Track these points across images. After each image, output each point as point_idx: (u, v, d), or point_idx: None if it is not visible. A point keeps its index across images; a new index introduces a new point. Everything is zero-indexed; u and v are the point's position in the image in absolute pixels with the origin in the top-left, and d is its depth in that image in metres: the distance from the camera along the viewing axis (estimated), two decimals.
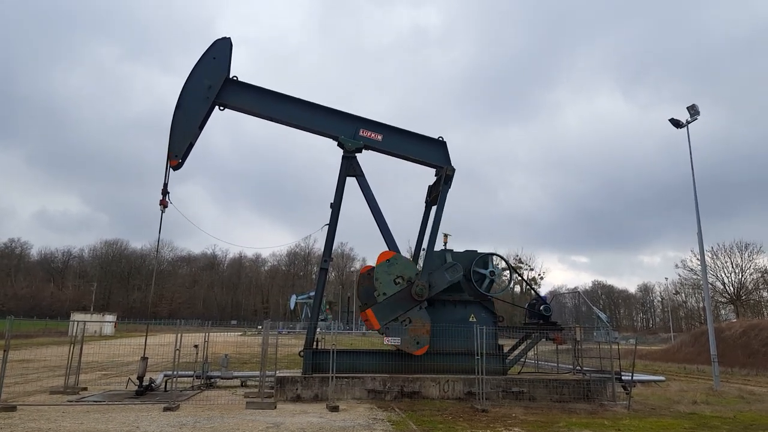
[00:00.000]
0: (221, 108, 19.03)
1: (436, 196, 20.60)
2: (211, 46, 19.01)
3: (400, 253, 18.99)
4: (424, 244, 20.20)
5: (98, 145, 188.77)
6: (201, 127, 18.81)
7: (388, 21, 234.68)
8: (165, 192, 18.20)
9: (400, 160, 20.32)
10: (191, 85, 18.63)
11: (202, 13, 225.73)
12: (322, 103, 19.60)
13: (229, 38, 19.12)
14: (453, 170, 19.86)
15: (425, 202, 21.85)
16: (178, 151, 18.25)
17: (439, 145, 20.30)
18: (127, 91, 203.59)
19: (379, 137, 19.76)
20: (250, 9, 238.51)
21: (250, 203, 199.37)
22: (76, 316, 61.01)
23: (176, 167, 18.38)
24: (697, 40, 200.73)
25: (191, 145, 18.60)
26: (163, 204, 18.13)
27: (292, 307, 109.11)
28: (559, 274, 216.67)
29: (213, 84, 18.63)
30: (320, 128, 19.52)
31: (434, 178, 21.37)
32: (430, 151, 20.30)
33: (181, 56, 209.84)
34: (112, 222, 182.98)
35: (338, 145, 19.40)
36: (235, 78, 18.94)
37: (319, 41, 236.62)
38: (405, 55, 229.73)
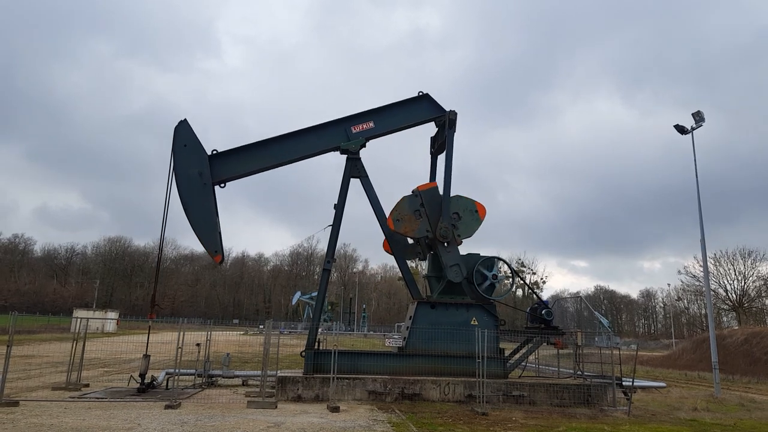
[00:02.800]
0: (222, 186, 18.52)
1: (441, 143, 20.84)
2: (174, 136, 18.19)
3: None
4: None
5: (97, 141, 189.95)
6: (217, 213, 18.17)
7: (387, 23, 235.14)
8: (154, 304, 18.97)
9: (405, 137, 20.64)
10: (184, 183, 17.90)
11: (202, 13, 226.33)
12: (317, 115, 19.76)
13: (185, 120, 18.45)
14: (455, 113, 20.10)
15: (430, 153, 22.02)
16: (216, 248, 17.83)
17: (423, 99, 20.43)
18: (125, 89, 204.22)
19: (371, 124, 19.85)
20: (248, 9, 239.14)
21: (249, 202, 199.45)
22: (79, 313, 61.33)
23: (221, 261, 18.44)
24: (697, 47, 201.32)
25: (220, 234, 18.08)
26: (152, 317, 18.85)
27: (294, 302, 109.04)
28: (559, 278, 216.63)
29: (201, 168, 18.01)
30: (319, 148, 19.51)
31: (436, 130, 21.56)
32: (419, 109, 20.49)
33: (180, 55, 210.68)
34: (112, 219, 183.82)
35: (341, 152, 19.41)
36: (215, 152, 18.48)
37: (317, 42, 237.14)
38: (404, 57, 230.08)
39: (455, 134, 20.22)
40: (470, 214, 19.83)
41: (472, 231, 19.79)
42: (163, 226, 18.68)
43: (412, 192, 19.82)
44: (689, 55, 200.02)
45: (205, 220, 17.85)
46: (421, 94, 20.39)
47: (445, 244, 19.16)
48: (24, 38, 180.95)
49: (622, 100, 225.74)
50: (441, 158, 20.82)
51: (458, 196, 19.91)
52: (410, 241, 20.27)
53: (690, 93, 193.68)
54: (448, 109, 20.28)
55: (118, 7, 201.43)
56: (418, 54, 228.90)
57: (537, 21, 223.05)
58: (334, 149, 19.48)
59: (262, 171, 19.32)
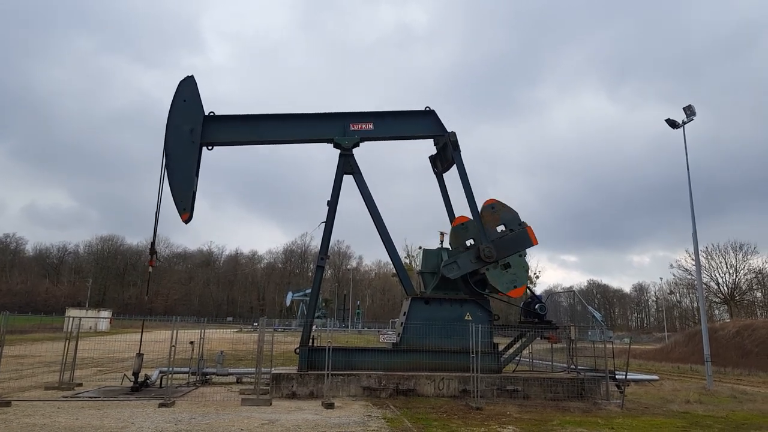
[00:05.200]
0: (209, 148, 18.62)
1: (447, 164, 20.89)
2: (177, 89, 18.46)
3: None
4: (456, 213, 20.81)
5: (83, 139, 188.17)
6: (197, 174, 18.30)
7: (373, 18, 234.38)
8: (153, 252, 18.26)
9: (398, 142, 20.61)
10: (173, 135, 18.07)
11: (186, 8, 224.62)
12: (306, 111, 19.61)
13: (192, 76, 18.67)
14: (455, 134, 19.96)
15: (434, 174, 21.90)
16: (186, 205, 17.85)
17: (429, 115, 20.36)
18: (109, 85, 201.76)
19: (370, 126, 19.80)
20: (233, 4, 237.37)
21: (239, 199, 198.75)
22: (72, 312, 60.94)
23: (187, 220, 18.02)
24: (680, 40, 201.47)
25: (194, 194, 18.18)
26: (151, 264, 18.35)
27: (288, 303, 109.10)
28: (551, 273, 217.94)
29: (194, 127, 18.13)
30: (312, 136, 19.53)
31: (434, 150, 21.49)
32: (421, 123, 20.43)
33: (165, 51, 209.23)
34: (101, 217, 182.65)
35: (334, 146, 19.39)
36: (212, 114, 18.55)
37: (303, 38, 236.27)
38: (390, 53, 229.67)
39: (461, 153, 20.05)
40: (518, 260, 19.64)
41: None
42: (154, 234, 18.63)
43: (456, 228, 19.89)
44: (672, 49, 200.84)
45: (183, 176, 17.97)
46: (427, 109, 20.31)
47: (489, 263, 18.98)
48: (2, 33, 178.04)
49: (607, 94, 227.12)
50: (447, 176, 21.18)
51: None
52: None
53: (674, 87, 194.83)
54: (449, 130, 20.09)
55: (98, 2, 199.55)
56: (405, 50, 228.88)
57: (522, 16, 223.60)
58: (328, 141, 19.43)
59: (252, 144, 19.51)
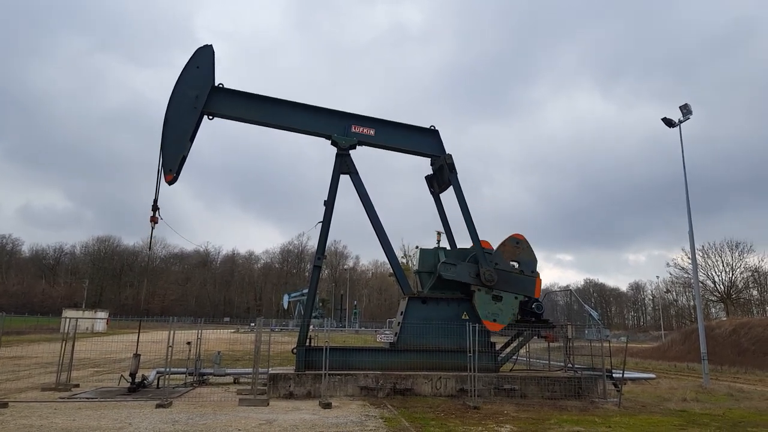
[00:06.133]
0: (210, 117, 18.74)
1: (444, 185, 20.88)
2: (193, 55, 18.67)
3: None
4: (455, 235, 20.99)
5: (76, 139, 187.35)
6: (192, 139, 18.41)
7: (367, 17, 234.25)
8: (155, 208, 18.07)
9: (394, 152, 20.44)
10: (177, 97, 18.25)
11: (179, 8, 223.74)
12: (310, 103, 19.57)
13: (211, 46, 18.84)
14: (450, 157, 19.94)
15: (431, 194, 21.83)
16: (172, 166, 17.88)
17: (432, 134, 20.38)
18: (101, 85, 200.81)
19: (372, 131, 19.78)
20: (227, 3, 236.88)
21: (234, 199, 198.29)
22: (68, 313, 60.77)
23: (171, 182, 17.99)
24: (673, 38, 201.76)
25: (184, 158, 18.24)
26: (154, 221, 18.11)
27: (285, 306, 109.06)
28: (547, 272, 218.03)
29: (199, 94, 18.29)
30: (312, 128, 19.48)
31: (430, 170, 21.42)
32: (423, 141, 20.40)
33: (158, 51, 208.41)
34: (96, 218, 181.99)
35: (332, 143, 19.40)
36: (221, 85, 18.68)
37: (298, 37, 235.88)
38: (385, 52, 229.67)
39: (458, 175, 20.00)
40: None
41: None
42: (157, 190, 18.41)
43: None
44: (665, 48, 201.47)
45: (177, 137, 18.09)
46: (432, 128, 20.33)
47: (484, 286, 18.85)
48: None
49: (601, 93, 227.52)
50: (444, 197, 21.19)
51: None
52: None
53: (667, 85, 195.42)
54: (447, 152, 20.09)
55: (91, 1, 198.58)
56: (400, 49, 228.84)
57: (516, 15, 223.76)
58: (327, 137, 19.45)
59: (251, 123, 19.35)
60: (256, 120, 19.25)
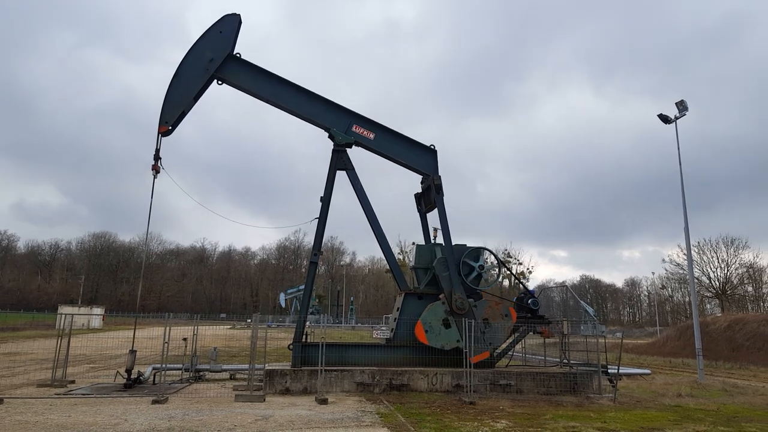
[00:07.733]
0: (219, 83, 19.05)
1: (429, 206, 20.74)
2: (219, 20, 19.09)
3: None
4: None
5: (68, 135, 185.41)
6: (196, 99, 18.86)
7: (360, 13, 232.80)
8: (157, 157, 18.20)
9: (388, 161, 20.18)
10: (193, 56, 18.70)
11: (170, 2, 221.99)
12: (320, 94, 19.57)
13: (239, 15, 19.23)
14: (440, 179, 19.83)
15: (418, 211, 21.73)
16: (170, 118, 18.29)
17: (430, 152, 20.26)
18: (92, 80, 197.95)
19: (371, 135, 19.74)
20: None
21: (227, 195, 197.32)
22: (64, 309, 60.58)
23: (165, 133, 18.35)
24: (667, 33, 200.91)
25: (183, 114, 18.66)
26: (155, 169, 18.16)
27: (282, 304, 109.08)
28: (543, 268, 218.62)
29: (215, 57, 18.70)
30: (314, 118, 19.49)
31: (420, 187, 21.39)
32: (419, 157, 20.28)
33: (149, 46, 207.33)
34: (91, 214, 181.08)
35: (329, 137, 19.40)
36: (238, 55, 18.99)
37: (289, 32, 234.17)
38: (377, 48, 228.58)
39: (443, 198, 19.85)
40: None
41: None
42: (158, 140, 18.52)
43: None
44: (658, 43, 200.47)
45: (180, 93, 18.56)
46: (432, 147, 20.26)
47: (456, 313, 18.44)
48: None
49: (594, 89, 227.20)
50: (430, 216, 21.10)
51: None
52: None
53: (660, 81, 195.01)
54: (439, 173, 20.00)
55: None
56: (392, 45, 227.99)
57: (509, 11, 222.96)
58: (326, 129, 19.48)
59: (257, 98, 19.46)
60: (264, 96, 19.37)
